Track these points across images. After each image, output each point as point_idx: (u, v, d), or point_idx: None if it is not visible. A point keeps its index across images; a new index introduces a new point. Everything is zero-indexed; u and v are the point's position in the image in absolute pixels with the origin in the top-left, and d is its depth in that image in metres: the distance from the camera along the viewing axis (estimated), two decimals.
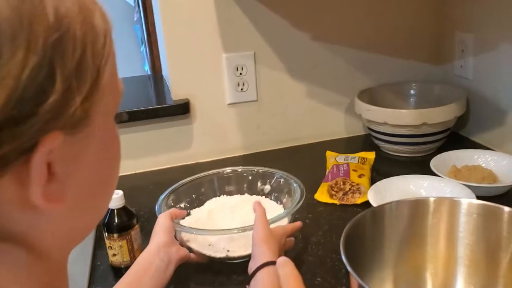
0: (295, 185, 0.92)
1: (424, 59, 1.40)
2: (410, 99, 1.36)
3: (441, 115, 1.16)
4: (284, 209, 0.91)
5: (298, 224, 0.84)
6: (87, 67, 0.33)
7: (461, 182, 0.99)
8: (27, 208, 0.33)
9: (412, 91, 1.37)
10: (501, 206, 0.59)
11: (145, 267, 0.74)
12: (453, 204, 0.61)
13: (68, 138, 0.33)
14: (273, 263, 0.64)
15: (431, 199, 0.62)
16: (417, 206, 0.62)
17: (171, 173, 1.26)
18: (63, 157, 0.34)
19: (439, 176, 1.03)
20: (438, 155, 1.12)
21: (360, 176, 1.10)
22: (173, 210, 0.86)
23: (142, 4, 2.47)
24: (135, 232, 0.84)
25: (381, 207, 0.62)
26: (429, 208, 0.62)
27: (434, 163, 1.08)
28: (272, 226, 0.77)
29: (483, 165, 1.11)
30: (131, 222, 0.83)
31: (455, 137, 1.31)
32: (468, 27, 1.29)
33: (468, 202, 0.61)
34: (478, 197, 0.92)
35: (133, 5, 2.83)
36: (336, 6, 1.30)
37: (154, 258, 0.75)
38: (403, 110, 1.21)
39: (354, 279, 0.51)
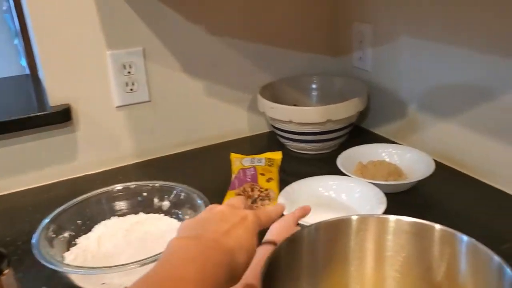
0: (199, 201, 0.82)
1: (322, 51, 1.36)
2: (312, 93, 1.32)
3: (345, 111, 1.12)
4: None
5: (307, 208, 0.69)
6: None
7: (369, 181, 0.96)
8: None
9: (313, 85, 1.32)
10: (431, 223, 0.54)
11: None
12: (379, 222, 0.55)
13: None
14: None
15: (354, 218, 0.55)
16: (339, 227, 0.55)
17: (56, 189, 1.10)
18: None
19: (347, 175, 0.99)
20: (344, 152, 1.08)
21: (268, 180, 1.03)
22: None
23: None
24: (7, 278, 0.68)
25: (298, 233, 0.54)
26: (351, 228, 0.56)
27: (340, 161, 1.04)
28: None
29: (387, 159, 1.09)
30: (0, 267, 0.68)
31: (357, 131, 1.29)
32: (365, 18, 1.26)
33: (395, 219, 0.55)
34: (386, 194, 0.90)
35: None
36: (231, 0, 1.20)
37: None
38: (308, 108, 1.16)
39: None
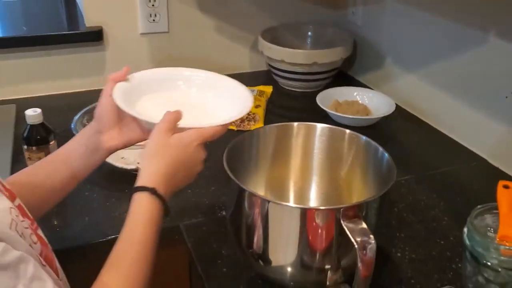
0: None
1: (321, 2, 1.55)
2: (307, 40, 1.52)
3: (329, 56, 1.34)
4: None
5: (218, 128, 0.69)
6: None
7: (340, 114, 1.19)
8: None
9: (309, 32, 1.52)
10: (343, 129, 0.78)
11: (66, 153, 0.74)
12: (310, 128, 0.79)
13: None
14: (145, 189, 0.62)
15: (295, 124, 0.79)
16: (284, 130, 0.79)
17: (84, 97, 1.33)
18: None
19: (323, 109, 1.22)
20: (324, 91, 1.31)
21: (256, 106, 1.26)
22: (112, 76, 0.76)
23: None
24: (52, 146, 0.94)
25: (256, 130, 0.79)
26: (293, 131, 0.80)
27: (320, 98, 1.26)
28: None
29: (359, 101, 1.31)
30: (49, 137, 0.93)
31: (342, 76, 1.50)
32: None
33: (321, 126, 0.79)
34: (353, 127, 1.13)
35: None
36: None
37: (79, 145, 0.74)
38: (298, 50, 1.37)
39: (233, 181, 0.67)
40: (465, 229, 0.74)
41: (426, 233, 0.89)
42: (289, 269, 0.71)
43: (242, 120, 1.21)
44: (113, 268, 0.58)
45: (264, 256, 0.70)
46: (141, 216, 0.62)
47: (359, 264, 0.62)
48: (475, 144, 1.14)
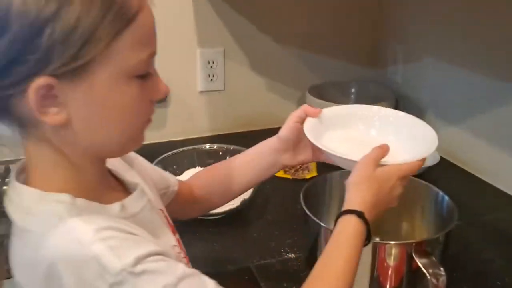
0: None
1: (365, 63, 1.68)
2: (351, 96, 1.64)
3: None
4: None
5: (416, 164, 0.72)
6: (88, 28, 0.48)
7: None
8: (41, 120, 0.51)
9: (353, 89, 1.64)
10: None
11: (248, 159, 0.86)
12: None
13: (61, 81, 0.49)
14: (354, 212, 0.65)
15: None
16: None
17: (147, 149, 1.46)
18: (62, 91, 0.50)
19: None
20: None
21: None
22: (307, 108, 0.83)
23: None
24: None
25: (330, 175, 0.89)
26: None
27: None
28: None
29: None
30: None
31: None
32: (400, 40, 1.57)
33: None
34: None
35: None
36: (294, 16, 1.54)
37: (259, 158, 0.85)
38: (341, 104, 1.48)
39: (312, 220, 0.76)
40: None
41: (480, 274, 0.95)
42: None
43: (296, 169, 1.31)
44: (318, 280, 0.61)
45: None
46: (347, 235, 0.65)
47: None
48: None
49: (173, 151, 1.19)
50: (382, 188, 0.69)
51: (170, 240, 0.66)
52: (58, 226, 0.51)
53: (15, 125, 0.54)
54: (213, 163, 1.21)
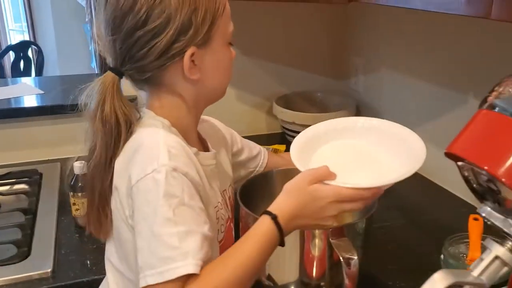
0: None
1: (329, 75, 1.76)
2: (317, 105, 1.71)
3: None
4: None
5: (356, 192, 0.71)
6: (210, 15, 0.74)
7: None
8: (184, 77, 0.75)
9: (318, 99, 1.71)
10: None
11: None
12: None
13: (201, 50, 0.74)
14: (270, 214, 0.71)
15: None
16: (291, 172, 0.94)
17: None
18: (199, 58, 0.75)
19: None
20: None
21: None
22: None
23: (93, 6, 2.70)
24: None
25: (270, 172, 0.96)
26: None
27: None
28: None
29: None
30: None
31: None
32: (360, 53, 1.65)
33: None
34: None
35: (84, 6, 3.04)
36: (263, 31, 1.63)
37: None
38: (307, 114, 1.55)
39: (242, 209, 0.83)
40: (442, 256, 0.87)
41: (416, 266, 1.00)
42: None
43: None
44: (220, 266, 0.67)
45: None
46: (257, 233, 0.70)
47: (345, 277, 0.75)
48: (467, 193, 1.27)
49: None
50: (310, 204, 0.72)
51: (213, 202, 0.82)
52: (152, 130, 0.74)
53: (154, 87, 0.77)
54: None
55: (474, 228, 0.87)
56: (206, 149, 0.87)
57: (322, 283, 0.82)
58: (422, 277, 0.55)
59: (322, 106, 1.70)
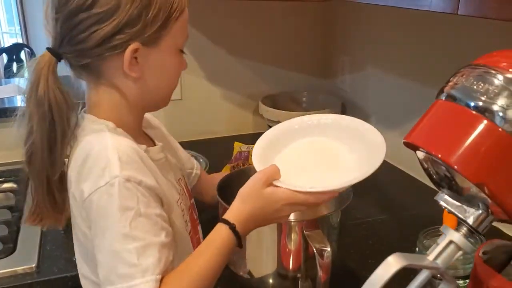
0: (201, 160, 1.25)
1: (315, 74, 1.78)
2: (303, 105, 1.73)
3: None
4: None
5: (310, 197, 0.73)
6: (163, 15, 0.72)
7: None
8: (123, 72, 0.73)
9: (304, 98, 1.74)
10: None
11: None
12: None
13: (146, 48, 0.72)
14: (227, 223, 0.72)
15: None
16: None
17: None
18: (143, 56, 0.73)
19: None
20: None
21: None
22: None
23: None
24: None
25: (247, 168, 0.97)
26: None
27: None
28: None
29: None
30: None
31: None
32: (347, 52, 1.67)
33: None
34: None
35: None
36: (249, 31, 1.65)
37: None
38: (292, 112, 1.57)
39: (220, 203, 0.84)
40: (417, 249, 0.89)
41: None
42: (270, 280, 0.86)
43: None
44: (178, 273, 0.68)
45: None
46: (214, 241, 0.72)
47: (319, 268, 0.77)
48: None
49: None
50: (265, 208, 0.74)
51: (174, 196, 0.81)
52: (98, 136, 0.72)
53: (92, 76, 0.75)
54: None
55: (448, 220, 0.89)
56: (153, 144, 0.87)
57: (298, 275, 0.84)
58: (401, 272, 0.55)
59: (308, 105, 1.72)
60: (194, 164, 1.07)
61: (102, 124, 0.74)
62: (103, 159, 0.68)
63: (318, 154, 0.83)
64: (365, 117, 1.60)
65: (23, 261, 1.01)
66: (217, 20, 1.61)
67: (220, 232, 0.73)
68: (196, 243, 0.86)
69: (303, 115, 1.56)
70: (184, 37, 0.78)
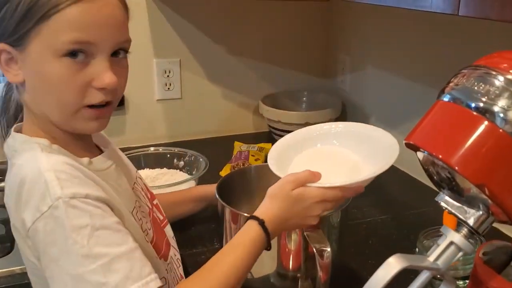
0: (201, 159, 1.25)
1: (315, 74, 1.78)
2: (303, 104, 1.73)
3: (320, 117, 1.53)
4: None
5: (338, 191, 0.75)
6: (25, 11, 0.62)
7: None
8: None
9: (304, 98, 1.73)
10: None
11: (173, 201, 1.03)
12: None
13: (15, 49, 0.64)
14: (257, 219, 0.72)
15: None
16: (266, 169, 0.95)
17: None
18: (19, 59, 0.65)
19: None
20: None
21: (256, 160, 1.45)
22: None
23: None
24: None
25: (248, 168, 0.97)
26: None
27: None
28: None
29: None
30: None
31: None
32: (347, 52, 1.67)
33: None
34: None
35: None
36: (249, 30, 1.65)
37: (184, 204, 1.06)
38: (292, 112, 1.57)
39: (220, 203, 0.84)
40: (417, 249, 0.89)
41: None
42: (270, 280, 0.85)
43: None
44: (207, 272, 0.67)
45: None
46: (244, 238, 0.71)
47: (318, 268, 0.77)
48: None
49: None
50: (294, 207, 0.74)
51: (128, 205, 0.73)
52: (32, 158, 0.65)
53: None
54: (159, 165, 1.32)
55: (448, 220, 0.89)
56: (99, 151, 0.77)
57: (298, 275, 0.84)
58: (401, 272, 0.56)
59: (308, 105, 1.72)
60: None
61: (34, 143, 0.67)
62: (41, 183, 0.61)
63: (333, 159, 0.86)
64: (365, 117, 1.61)
65: (21, 260, 1.00)
66: (217, 19, 1.60)
67: (249, 228, 0.71)
68: (165, 246, 0.81)
69: (302, 115, 1.57)
70: (67, 37, 0.62)
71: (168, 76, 1.59)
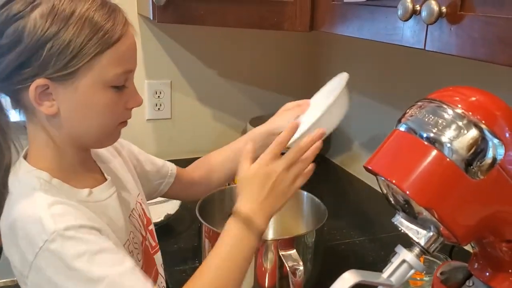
0: None
1: (300, 96, 1.80)
2: None
3: None
4: None
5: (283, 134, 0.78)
6: (74, 49, 0.65)
7: None
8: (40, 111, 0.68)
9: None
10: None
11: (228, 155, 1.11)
12: None
13: (57, 84, 0.66)
14: (237, 215, 0.70)
15: None
16: None
17: None
18: (56, 92, 0.67)
19: None
20: None
21: None
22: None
23: None
24: None
25: (228, 188, 1.01)
26: None
27: None
28: None
29: None
30: None
31: (321, 158, 1.73)
32: (330, 76, 1.72)
33: None
34: None
35: None
36: (238, 54, 1.70)
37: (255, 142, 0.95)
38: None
39: (199, 220, 0.88)
40: None
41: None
42: None
43: None
44: (197, 278, 0.68)
45: None
46: (225, 239, 0.70)
47: (291, 286, 0.80)
48: None
49: None
50: (265, 185, 0.71)
51: (122, 238, 0.75)
52: (28, 195, 0.67)
53: (22, 111, 0.71)
54: None
55: None
56: (103, 179, 0.79)
57: None
58: None
59: None
60: (167, 170, 1.04)
61: (35, 178, 0.69)
62: (35, 225, 0.64)
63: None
64: (348, 141, 1.65)
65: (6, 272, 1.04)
66: (208, 43, 1.66)
67: (228, 228, 0.70)
68: (153, 275, 0.84)
69: None
70: (117, 71, 0.68)
71: (159, 96, 1.64)
